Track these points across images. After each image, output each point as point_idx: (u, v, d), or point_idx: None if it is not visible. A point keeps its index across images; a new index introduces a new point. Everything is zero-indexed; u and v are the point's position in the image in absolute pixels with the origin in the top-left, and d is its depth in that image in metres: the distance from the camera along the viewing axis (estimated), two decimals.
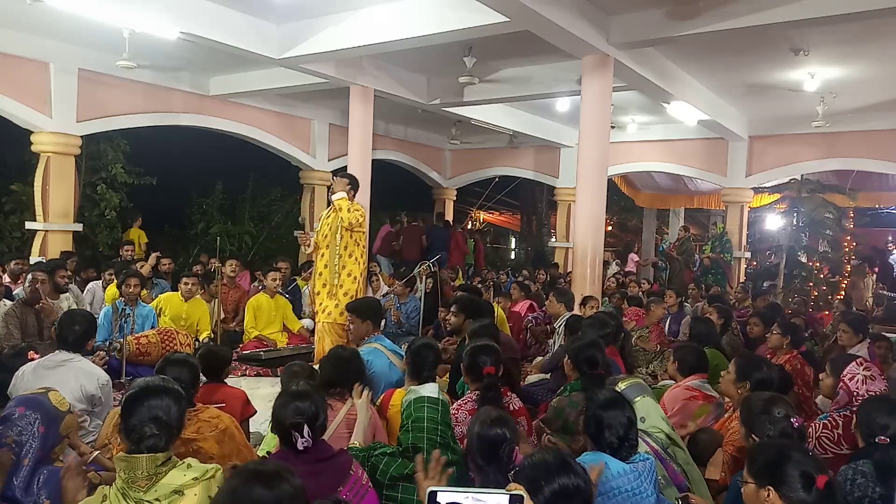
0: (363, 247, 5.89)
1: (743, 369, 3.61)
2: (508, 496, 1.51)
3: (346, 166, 8.89)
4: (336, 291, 5.72)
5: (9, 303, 5.82)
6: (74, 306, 6.26)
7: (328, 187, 5.89)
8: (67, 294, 6.54)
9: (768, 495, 2.10)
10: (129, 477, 2.08)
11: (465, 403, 3.44)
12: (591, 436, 2.49)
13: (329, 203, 5.97)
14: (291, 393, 2.53)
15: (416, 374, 3.50)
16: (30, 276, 6.02)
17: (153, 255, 7.88)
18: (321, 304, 5.78)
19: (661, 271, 14.38)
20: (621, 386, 3.14)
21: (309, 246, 6.00)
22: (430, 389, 3.18)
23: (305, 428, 2.38)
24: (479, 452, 2.49)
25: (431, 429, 2.79)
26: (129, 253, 8.63)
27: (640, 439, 2.77)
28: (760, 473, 2.16)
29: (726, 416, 3.79)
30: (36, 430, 2.45)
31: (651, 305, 7.17)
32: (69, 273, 6.68)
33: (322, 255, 5.80)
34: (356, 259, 5.81)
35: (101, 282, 7.45)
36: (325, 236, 5.84)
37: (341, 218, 5.69)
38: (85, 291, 7.38)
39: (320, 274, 5.84)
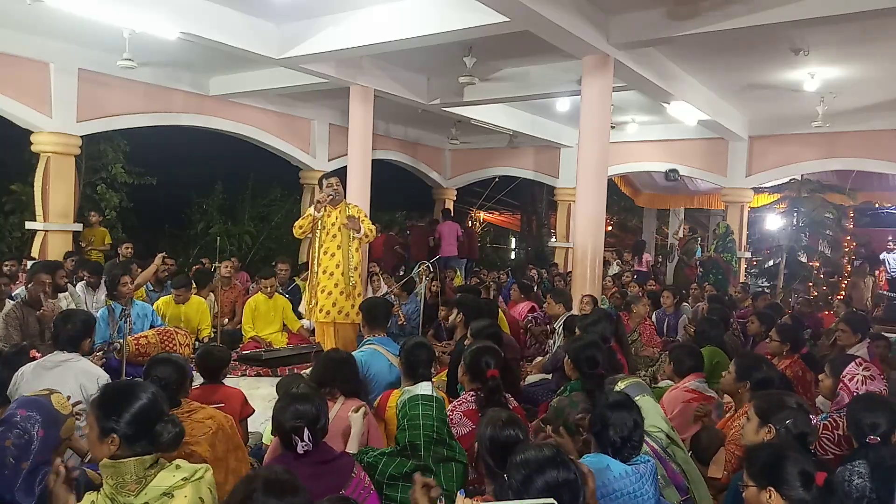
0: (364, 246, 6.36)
1: (743, 369, 3.63)
2: None
3: (345, 166, 8.90)
4: (352, 292, 5.95)
5: (10, 303, 5.80)
6: (73, 306, 6.25)
7: (332, 191, 6.02)
8: (68, 294, 6.51)
9: (770, 496, 2.11)
10: (118, 482, 2.06)
11: (460, 405, 3.42)
12: (595, 434, 2.50)
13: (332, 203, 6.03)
14: (292, 395, 2.53)
15: (411, 373, 3.50)
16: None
17: (158, 256, 7.65)
18: (335, 303, 5.90)
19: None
20: (620, 385, 3.14)
21: (320, 209, 5.96)
22: (424, 388, 3.19)
23: (305, 431, 2.38)
24: (491, 455, 2.39)
25: (427, 426, 2.79)
26: (128, 250, 8.62)
27: None
28: (760, 475, 2.16)
29: (728, 415, 3.79)
30: (36, 433, 2.42)
31: (631, 305, 6.90)
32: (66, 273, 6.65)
33: (333, 255, 5.94)
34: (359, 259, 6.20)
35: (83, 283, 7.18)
36: (335, 236, 5.96)
37: (365, 233, 6.01)
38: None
39: (331, 274, 5.93)
